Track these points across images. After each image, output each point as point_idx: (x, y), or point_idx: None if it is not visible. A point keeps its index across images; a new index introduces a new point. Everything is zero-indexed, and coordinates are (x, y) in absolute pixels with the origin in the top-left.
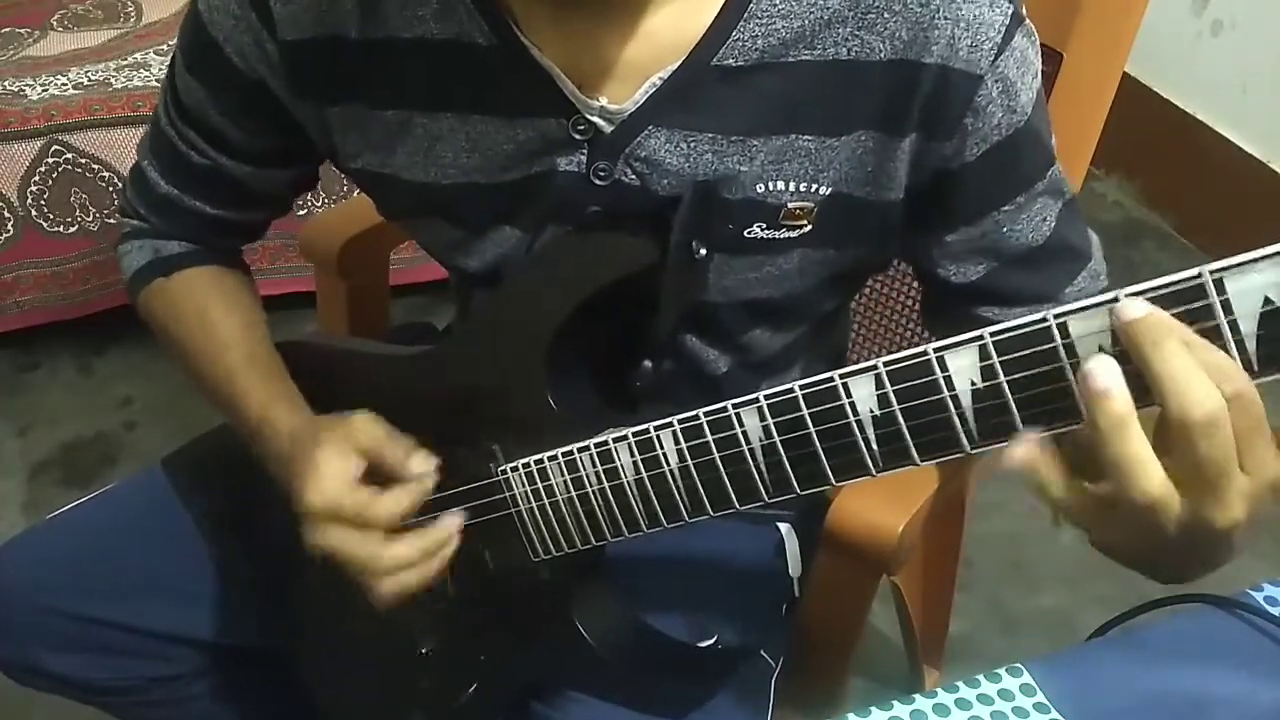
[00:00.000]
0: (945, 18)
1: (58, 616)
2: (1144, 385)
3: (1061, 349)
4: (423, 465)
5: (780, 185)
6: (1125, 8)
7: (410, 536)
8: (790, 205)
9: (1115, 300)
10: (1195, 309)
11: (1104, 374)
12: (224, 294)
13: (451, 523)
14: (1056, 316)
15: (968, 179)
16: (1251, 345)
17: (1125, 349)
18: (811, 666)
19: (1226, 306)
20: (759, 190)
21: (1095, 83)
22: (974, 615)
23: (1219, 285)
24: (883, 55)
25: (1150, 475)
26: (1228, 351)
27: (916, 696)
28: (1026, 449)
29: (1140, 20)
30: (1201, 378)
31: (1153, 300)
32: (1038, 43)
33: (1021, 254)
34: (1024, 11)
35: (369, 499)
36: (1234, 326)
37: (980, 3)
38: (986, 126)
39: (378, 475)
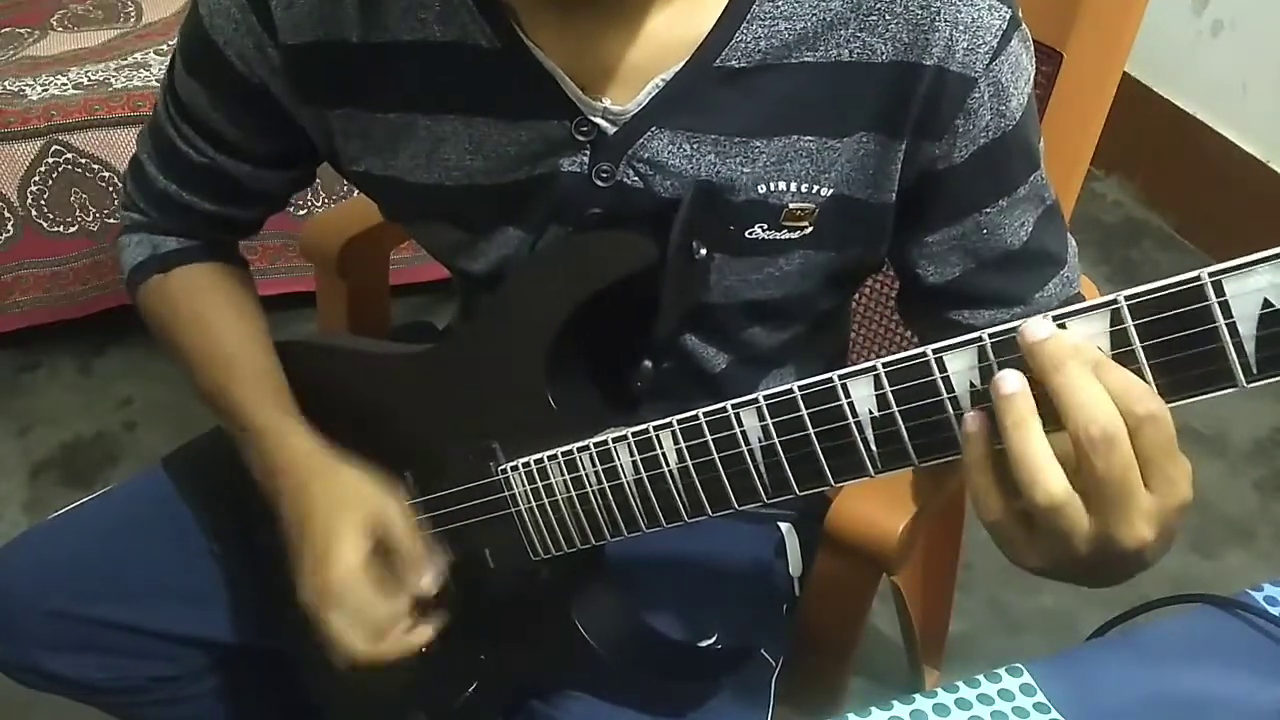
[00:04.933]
0: (945, 20)
1: (59, 617)
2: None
3: None
4: (432, 585)
5: (782, 186)
6: (1125, 8)
7: (392, 642)
8: (791, 206)
9: (1114, 303)
10: (1194, 311)
11: (1011, 381)
12: (220, 293)
13: (423, 634)
14: (1056, 319)
15: (953, 180)
16: (1250, 347)
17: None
18: (811, 666)
19: (1225, 309)
20: (760, 191)
21: (1095, 83)
22: (974, 615)
23: (1218, 288)
24: (884, 57)
25: (1051, 478)
26: (1226, 355)
27: (916, 696)
28: (979, 418)
29: (1140, 20)
30: (1099, 398)
31: (1152, 302)
32: (1032, 48)
33: (998, 257)
34: (1020, 16)
35: (373, 601)
36: (1233, 329)
37: (979, 6)
38: (975, 129)
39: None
